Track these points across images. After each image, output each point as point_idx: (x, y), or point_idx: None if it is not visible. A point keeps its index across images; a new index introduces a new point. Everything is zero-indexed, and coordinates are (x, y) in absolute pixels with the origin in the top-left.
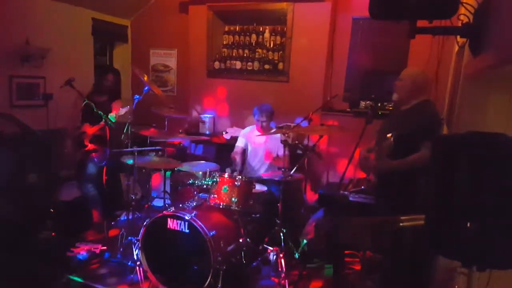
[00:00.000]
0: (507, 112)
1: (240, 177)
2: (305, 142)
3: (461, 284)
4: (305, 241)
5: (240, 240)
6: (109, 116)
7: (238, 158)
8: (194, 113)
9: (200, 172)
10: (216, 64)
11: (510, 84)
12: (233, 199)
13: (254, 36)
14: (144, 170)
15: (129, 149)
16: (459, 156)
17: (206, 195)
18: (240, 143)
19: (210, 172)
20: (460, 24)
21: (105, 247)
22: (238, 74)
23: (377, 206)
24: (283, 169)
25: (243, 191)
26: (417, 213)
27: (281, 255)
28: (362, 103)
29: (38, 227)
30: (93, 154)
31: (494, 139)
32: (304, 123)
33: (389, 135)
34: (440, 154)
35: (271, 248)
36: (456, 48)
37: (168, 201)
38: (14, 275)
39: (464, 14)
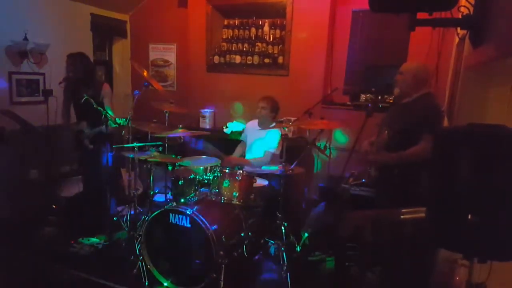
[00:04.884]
0: (508, 103)
1: (241, 171)
2: (306, 135)
3: (462, 276)
4: (306, 234)
5: (242, 234)
6: (109, 121)
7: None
8: (194, 108)
9: (201, 167)
10: (216, 59)
11: (510, 76)
12: (234, 193)
13: (253, 29)
14: (145, 166)
15: (130, 144)
16: (460, 148)
17: (207, 189)
18: (242, 137)
19: (211, 167)
20: (460, 16)
21: (107, 242)
22: (238, 68)
23: (378, 199)
24: (283, 163)
25: (244, 186)
26: (418, 206)
27: (282, 249)
28: (363, 96)
29: (40, 223)
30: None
31: (495, 131)
32: (305, 117)
33: (385, 132)
34: (441, 146)
35: (273, 242)
36: (457, 40)
37: (169, 196)
38: (17, 271)
39: (465, 6)
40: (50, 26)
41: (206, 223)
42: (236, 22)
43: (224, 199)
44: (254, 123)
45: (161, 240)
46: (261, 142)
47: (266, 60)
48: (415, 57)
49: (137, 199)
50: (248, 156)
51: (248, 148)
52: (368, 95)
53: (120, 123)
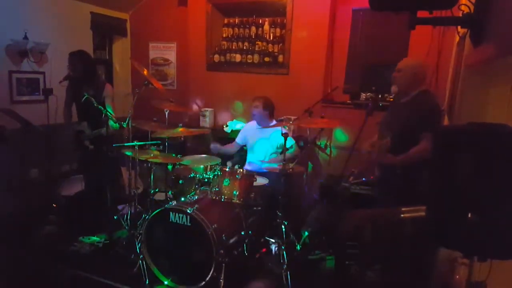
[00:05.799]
0: (508, 103)
1: (241, 170)
2: (306, 134)
3: (462, 274)
4: (306, 233)
5: (242, 233)
6: (110, 121)
7: (224, 146)
8: (195, 107)
9: (202, 166)
10: (216, 57)
11: (511, 75)
12: (234, 192)
13: (253, 28)
14: (145, 164)
15: (130, 143)
16: (461, 147)
17: (208, 188)
18: (237, 139)
19: (211, 165)
20: (460, 14)
21: (107, 241)
22: (238, 67)
23: (379, 198)
24: (284, 162)
25: (244, 184)
26: (418, 205)
27: (282, 248)
28: (363, 95)
29: (41, 222)
30: None
31: (496, 130)
32: (305, 116)
33: (388, 138)
34: (441, 145)
35: (273, 241)
36: (457, 38)
37: (170, 195)
38: (17, 270)
39: (465, 4)
40: (50, 25)
41: (207, 221)
42: (236, 21)
43: (224, 198)
44: (252, 124)
45: (162, 239)
46: (265, 142)
47: (266, 59)
48: (415, 55)
49: (137, 197)
50: (250, 157)
51: (250, 149)
52: (369, 93)
53: (121, 124)
